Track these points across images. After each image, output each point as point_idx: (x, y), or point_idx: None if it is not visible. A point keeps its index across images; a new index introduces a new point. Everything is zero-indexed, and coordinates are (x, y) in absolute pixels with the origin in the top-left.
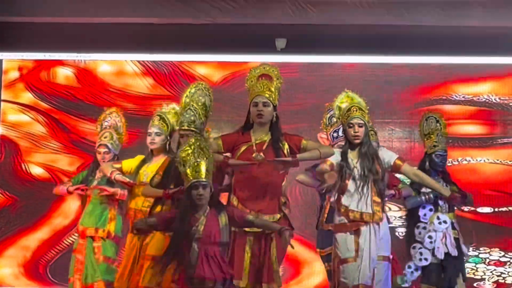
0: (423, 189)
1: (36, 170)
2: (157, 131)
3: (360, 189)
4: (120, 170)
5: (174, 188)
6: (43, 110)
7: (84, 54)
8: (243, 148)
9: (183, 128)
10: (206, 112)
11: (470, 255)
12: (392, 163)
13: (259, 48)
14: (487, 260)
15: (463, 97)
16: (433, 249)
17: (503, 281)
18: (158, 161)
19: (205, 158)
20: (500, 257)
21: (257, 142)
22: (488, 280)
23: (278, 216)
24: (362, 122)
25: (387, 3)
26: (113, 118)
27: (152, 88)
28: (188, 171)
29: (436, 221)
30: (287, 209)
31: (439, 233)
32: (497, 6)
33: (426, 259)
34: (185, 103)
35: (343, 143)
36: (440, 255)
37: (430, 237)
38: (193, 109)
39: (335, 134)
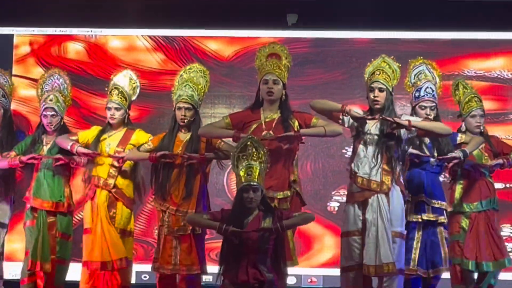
0: None
1: None
2: (117, 106)
3: (370, 156)
4: (77, 141)
5: (161, 152)
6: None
7: (95, 29)
8: (254, 126)
9: (182, 100)
10: (203, 93)
11: None
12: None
13: (271, 23)
14: None
15: (475, 72)
16: None
17: None
18: (118, 133)
19: (259, 162)
20: (511, 233)
21: (266, 120)
22: None
23: (289, 192)
24: (383, 86)
25: None
26: (55, 79)
27: (163, 63)
28: (241, 172)
29: None
30: (298, 187)
31: None
32: None
33: None
34: (183, 79)
35: (424, 104)
36: None
37: None
38: (191, 85)
39: (416, 94)
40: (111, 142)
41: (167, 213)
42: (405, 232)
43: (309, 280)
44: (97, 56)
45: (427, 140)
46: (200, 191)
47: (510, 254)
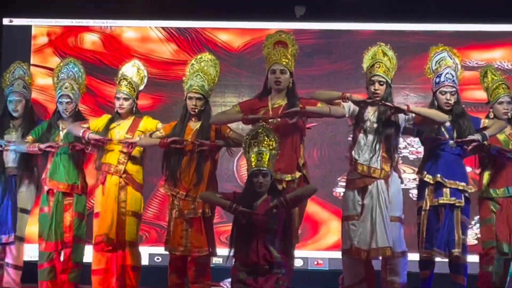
0: None
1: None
2: (125, 96)
3: (370, 144)
4: (88, 128)
5: (172, 138)
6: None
7: (109, 20)
8: (261, 112)
9: (193, 91)
10: (213, 83)
11: None
12: (414, 116)
13: (279, 15)
14: None
15: (476, 63)
16: None
17: None
18: (127, 121)
19: (269, 148)
20: None
21: (274, 106)
22: None
23: (298, 174)
24: (383, 80)
25: None
26: (70, 68)
27: (175, 53)
28: (252, 158)
29: None
30: (305, 170)
31: None
32: None
33: None
34: (194, 69)
35: (445, 89)
36: None
37: None
38: (202, 75)
39: (437, 80)
40: (120, 130)
41: (177, 197)
42: (403, 217)
43: (315, 263)
44: (112, 46)
45: (447, 123)
46: (209, 177)
47: None
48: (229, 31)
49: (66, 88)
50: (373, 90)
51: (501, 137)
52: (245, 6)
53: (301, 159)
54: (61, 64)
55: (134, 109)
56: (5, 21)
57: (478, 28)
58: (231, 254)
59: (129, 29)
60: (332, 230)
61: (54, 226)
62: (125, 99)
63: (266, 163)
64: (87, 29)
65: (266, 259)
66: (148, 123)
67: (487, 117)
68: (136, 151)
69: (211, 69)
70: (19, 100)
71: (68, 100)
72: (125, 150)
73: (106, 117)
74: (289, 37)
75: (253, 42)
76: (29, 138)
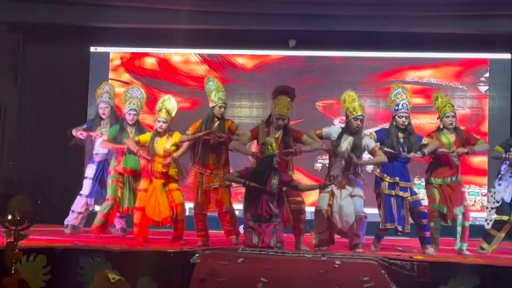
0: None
1: None
2: (164, 120)
3: (340, 165)
4: (139, 142)
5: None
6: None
7: (163, 49)
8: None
9: (222, 102)
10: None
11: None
12: (371, 148)
13: (278, 46)
14: None
15: (412, 79)
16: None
17: None
18: (163, 139)
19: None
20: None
21: (275, 136)
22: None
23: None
24: (361, 117)
25: (367, 17)
26: (134, 91)
27: (207, 72)
28: (269, 146)
29: (508, 174)
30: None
31: (505, 182)
32: (436, 18)
33: (497, 202)
34: (215, 86)
35: (401, 114)
36: (506, 199)
37: (500, 184)
38: (221, 90)
39: (396, 107)
40: (160, 145)
41: (204, 175)
42: (363, 196)
43: None
44: (164, 66)
45: (401, 139)
46: (225, 160)
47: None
48: (244, 56)
49: (133, 104)
50: (355, 126)
51: (446, 141)
52: (254, 39)
53: (291, 172)
54: (129, 88)
55: (168, 128)
56: (92, 49)
57: (413, 55)
58: (245, 207)
59: (176, 54)
60: (313, 192)
61: (126, 198)
62: (164, 122)
63: (275, 149)
64: (147, 54)
65: (268, 212)
66: (176, 137)
67: (438, 128)
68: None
69: (222, 86)
70: (106, 107)
71: (135, 112)
72: (164, 168)
73: (149, 135)
74: (290, 88)
75: (260, 64)
76: (106, 137)
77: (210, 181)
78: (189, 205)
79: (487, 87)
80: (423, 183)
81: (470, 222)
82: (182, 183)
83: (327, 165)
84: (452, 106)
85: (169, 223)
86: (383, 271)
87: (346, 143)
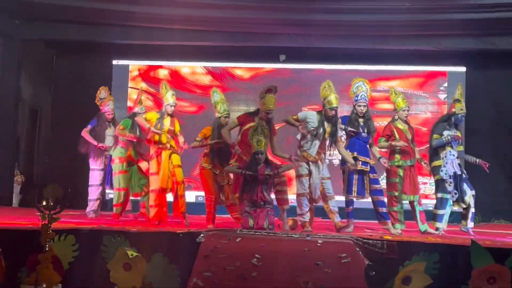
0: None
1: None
2: (174, 104)
3: (316, 144)
4: (146, 119)
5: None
6: (151, 92)
7: (174, 62)
8: (248, 125)
9: (226, 114)
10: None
11: None
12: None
13: (270, 59)
14: None
15: (383, 88)
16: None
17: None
18: (168, 118)
19: (263, 136)
20: None
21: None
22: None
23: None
24: (336, 108)
25: (344, 36)
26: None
27: (211, 81)
28: (254, 143)
29: (448, 153)
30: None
31: (449, 159)
32: (403, 37)
33: (451, 182)
34: (219, 97)
35: (360, 104)
36: (450, 173)
37: (445, 166)
38: (225, 102)
39: (355, 98)
40: (166, 122)
41: (215, 173)
42: (330, 176)
43: (291, 202)
44: (175, 77)
45: (361, 123)
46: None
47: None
48: (241, 69)
49: (172, 98)
50: (329, 114)
51: (402, 127)
52: (250, 54)
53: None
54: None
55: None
56: (114, 62)
57: (383, 68)
58: (242, 194)
59: (184, 66)
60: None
61: (134, 183)
62: (172, 105)
63: (262, 146)
64: (161, 66)
65: (262, 199)
66: (177, 122)
67: (392, 119)
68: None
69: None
70: (113, 113)
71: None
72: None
73: (155, 114)
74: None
75: (256, 75)
76: (121, 126)
77: (220, 178)
78: (195, 194)
79: (445, 95)
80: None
81: (423, 207)
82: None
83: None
84: (406, 102)
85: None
86: (358, 249)
87: (322, 128)
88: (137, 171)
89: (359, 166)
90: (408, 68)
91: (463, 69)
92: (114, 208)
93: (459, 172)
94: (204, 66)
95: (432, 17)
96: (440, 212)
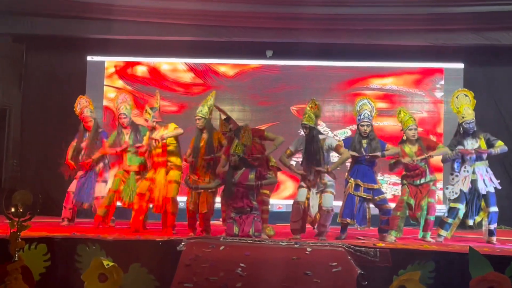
0: (455, 149)
1: None
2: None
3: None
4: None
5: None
6: (129, 91)
7: (153, 58)
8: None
9: (197, 115)
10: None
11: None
12: (334, 145)
13: (256, 56)
14: (389, 182)
15: (376, 86)
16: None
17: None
18: (160, 130)
19: (244, 140)
20: (396, 180)
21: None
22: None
23: (271, 173)
24: (308, 125)
25: (335, 30)
26: (123, 96)
27: (193, 79)
28: (233, 145)
29: (462, 168)
30: (275, 163)
31: (461, 176)
32: (397, 32)
33: (456, 193)
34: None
35: (363, 123)
36: (456, 190)
37: (453, 179)
38: (204, 104)
39: (359, 117)
40: (157, 136)
41: (192, 179)
42: (334, 192)
43: (277, 207)
44: (154, 74)
45: (364, 145)
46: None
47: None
48: (226, 65)
49: (123, 108)
50: (304, 133)
51: (408, 151)
52: (235, 50)
53: (270, 162)
54: (118, 94)
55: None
56: (89, 58)
57: (377, 64)
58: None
59: (165, 63)
60: (288, 186)
61: (130, 190)
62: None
63: (235, 149)
64: (139, 63)
65: (248, 204)
66: (171, 127)
67: (401, 140)
68: (172, 147)
69: (212, 101)
70: (91, 121)
71: (125, 116)
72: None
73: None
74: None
75: (241, 72)
76: (107, 143)
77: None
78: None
79: (442, 93)
80: (386, 179)
81: (434, 217)
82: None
83: (300, 163)
84: (414, 120)
85: (158, 212)
86: (349, 257)
87: (307, 150)
88: (135, 182)
89: (361, 194)
90: (403, 65)
91: (461, 65)
92: (98, 210)
93: (466, 190)
94: (185, 63)
95: (429, 11)
96: (449, 221)
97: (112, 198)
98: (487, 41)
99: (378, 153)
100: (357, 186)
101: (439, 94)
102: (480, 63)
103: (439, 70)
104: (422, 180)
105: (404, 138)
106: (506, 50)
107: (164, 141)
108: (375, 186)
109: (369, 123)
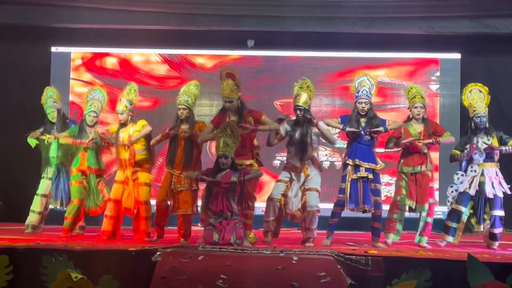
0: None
1: None
2: (121, 112)
3: (295, 152)
4: (108, 131)
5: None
6: (97, 85)
7: (123, 48)
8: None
9: (181, 103)
10: (195, 99)
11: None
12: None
13: (237, 46)
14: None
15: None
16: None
17: (390, 194)
18: (128, 127)
19: (232, 138)
20: (388, 180)
21: (232, 119)
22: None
23: (253, 161)
24: (302, 108)
25: (323, 18)
26: (96, 93)
27: (168, 71)
28: (220, 145)
29: (469, 168)
30: (259, 156)
31: (468, 176)
32: (390, 19)
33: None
34: (184, 90)
35: (361, 100)
36: (472, 192)
37: (459, 179)
38: (184, 93)
39: (356, 94)
40: (123, 133)
41: (174, 175)
42: (319, 189)
43: (261, 210)
44: (125, 66)
45: (362, 123)
46: (196, 160)
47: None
48: (203, 56)
49: (94, 106)
50: (299, 114)
51: (413, 132)
52: (214, 39)
53: (256, 149)
54: (91, 90)
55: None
56: (53, 49)
57: (367, 55)
58: (206, 204)
59: (136, 54)
60: (271, 188)
61: (92, 195)
62: (121, 113)
63: (228, 150)
64: (108, 54)
65: (228, 208)
66: (139, 124)
67: (407, 119)
68: (141, 146)
69: (195, 90)
70: (53, 111)
71: (95, 114)
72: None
73: (115, 127)
74: (235, 72)
75: (220, 63)
76: (68, 133)
77: (179, 182)
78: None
79: (438, 86)
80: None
81: (433, 219)
82: (151, 168)
83: (285, 161)
84: (422, 98)
85: (130, 215)
86: (339, 266)
87: (297, 132)
88: (96, 186)
89: (364, 173)
90: (395, 55)
91: (457, 55)
92: (64, 222)
93: (472, 193)
94: (159, 54)
95: None
96: (453, 225)
97: (78, 208)
98: (486, 29)
99: (381, 128)
100: (357, 167)
101: (434, 87)
102: (478, 53)
103: (435, 61)
104: (423, 168)
105: (410, 117)
106: (506, 39)
107: (132, 144)
108: (377, 167)
109: (367, 101)
